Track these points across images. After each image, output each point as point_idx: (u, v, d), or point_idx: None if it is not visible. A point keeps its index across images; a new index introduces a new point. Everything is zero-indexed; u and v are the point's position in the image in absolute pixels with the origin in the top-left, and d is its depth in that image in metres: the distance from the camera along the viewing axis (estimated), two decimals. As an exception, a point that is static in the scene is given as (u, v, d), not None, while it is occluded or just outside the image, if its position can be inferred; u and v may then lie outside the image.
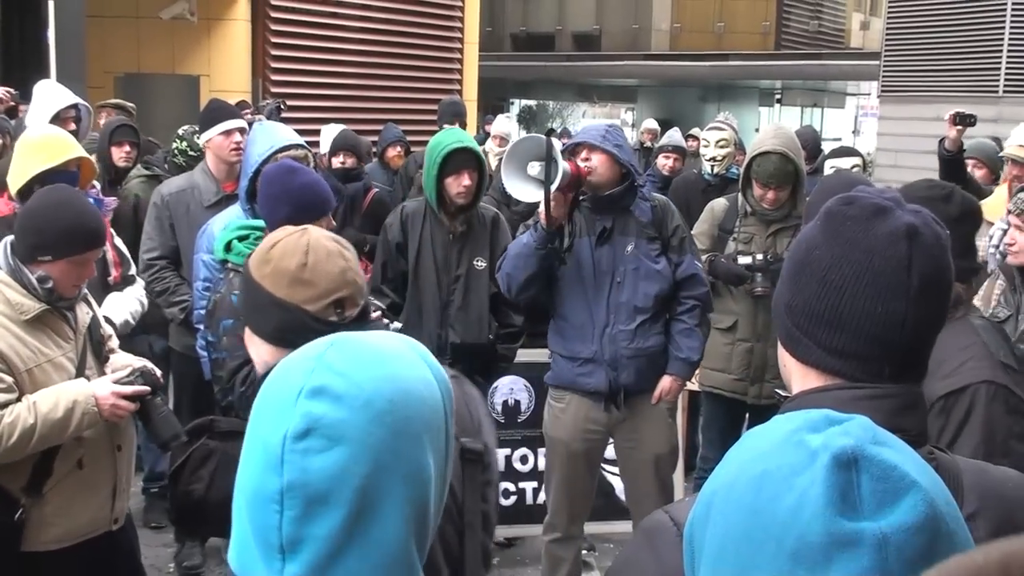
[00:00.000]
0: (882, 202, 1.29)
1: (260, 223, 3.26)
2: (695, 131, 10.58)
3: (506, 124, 9.02)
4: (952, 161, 5.18)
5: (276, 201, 3.17)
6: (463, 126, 7.67)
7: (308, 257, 1.85)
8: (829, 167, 5.67)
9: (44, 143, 3.66)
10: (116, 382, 2.82)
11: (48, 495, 2.78)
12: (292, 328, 1.83)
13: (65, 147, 3.67)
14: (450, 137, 4.15)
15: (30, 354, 2.72)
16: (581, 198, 3.77)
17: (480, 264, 4.14)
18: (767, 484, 0.85)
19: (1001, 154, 4.97)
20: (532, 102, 32.94)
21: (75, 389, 2.74)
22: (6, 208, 3.72)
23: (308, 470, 0.98)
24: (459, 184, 4.02)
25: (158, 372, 2.97)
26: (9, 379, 2.67)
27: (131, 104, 7.07)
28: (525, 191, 3.59)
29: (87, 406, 2.71)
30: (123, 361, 3.06)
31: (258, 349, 1.93)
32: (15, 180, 3.52)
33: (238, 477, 1.05)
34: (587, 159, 3.71)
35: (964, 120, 5.11)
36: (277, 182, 3.21)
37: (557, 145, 3.58)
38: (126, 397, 2.79)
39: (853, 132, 31.33)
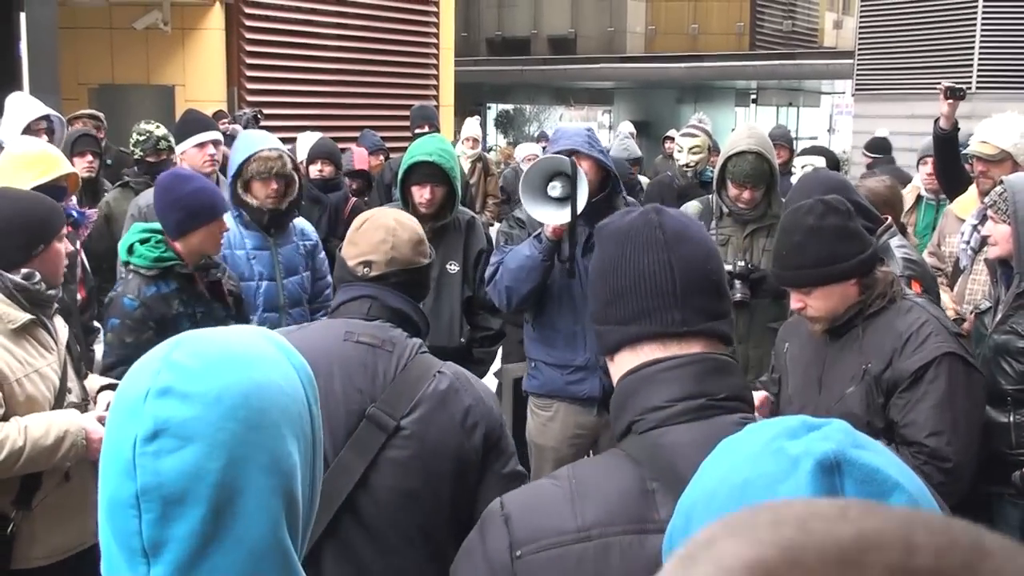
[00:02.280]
0: (635, 208, 1.52)
1: (158, 226, 3.39)
2: (672, 133, 10.62)
3: (475, 126, 9.17)
4: (947, 140, 5.06)
5: (168, 208, 3.33)
6: (435, 130, 7.68)
7: (364, 224, 2.31)
8: (800, 166, 5.71)
9: (36, 158, 3.71)
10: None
11: (37, 509, 2.76)
12: (340, 277, 2.30)
13: (56, 163, 3.74)
14: (421, 147, 4.13)
15: (18, 364, 2.71)
16: None
17: (452, 268, 4.12)
18: (749, 493, 0.85)
19: (965, 151, 4.94)
20: (509, 106, 32.95)
21: (68, 419, 2.73)
22: None
23: (161, 472, 0.98)
24: (420, 195, 4.03)
25: None
26: None
27: (101, 114, 7.04)
28: (546, 213, 3.60)
29: (77, 438, 2.70)
30: (97, 383, 3.07)
31: None
32: None
33: (99, 486, 1.04)
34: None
35: (955, 93, 4.98)
36: (168, 190, 3.38)
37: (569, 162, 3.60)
38: None
39: (828, 130, 31.52)
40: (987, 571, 0.46)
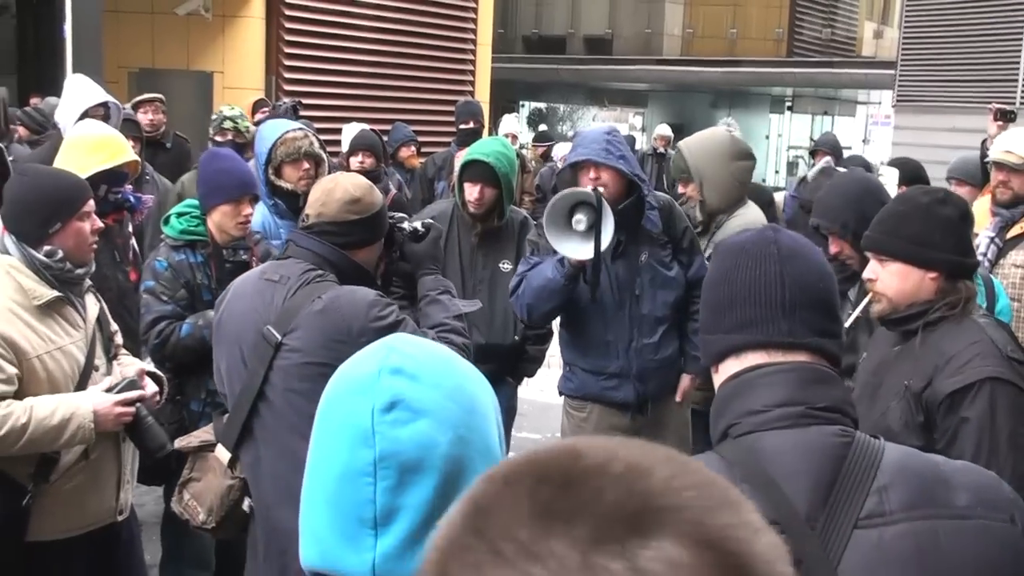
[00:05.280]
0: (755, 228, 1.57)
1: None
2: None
3: (514, 123, 9.23)
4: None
5: (197, 183, 3.60)
6: (479, 125, 7.68)
7: (315, 186, 2.89)
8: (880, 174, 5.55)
9: (103, 143, 3.80)
10: (109, 391, 2.84)
11: (56, 484, 2.78)
12: None
13: (122, 149, 3.85)
14: (481, 147, 4.15)
15: (40, 341, 2.72)
16: None
17: (505, 266, 4.12)
18: None
19: (987, 159, 4.84)
20: (542, 104, 32.91)
21: (76, 402, 2.74)
22: None
23: (399, 440, 1.02)
24: (470, 193, 4.04)
25: (149, 380, 2.99)
26: (11, 370, 2.65)
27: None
28: (570, 247, 3.53)
29: (84, 420, 2.70)
30: (130, 363, 3.08)
31: None
32: None
33: (312, 470, 1.08)
34: (597, 178, 3.63)
35: (1005, 116, 4.93)
36: (200, 166, 3.65)
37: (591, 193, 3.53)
38: (126, 403, 2.82)
39: (863, 141, 31.25)
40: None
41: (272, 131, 4.08)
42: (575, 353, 3.88)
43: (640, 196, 3.72)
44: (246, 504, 2.70)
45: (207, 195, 3.51)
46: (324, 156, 4.07)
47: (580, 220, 3.49)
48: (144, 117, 6.59)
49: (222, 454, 2.70)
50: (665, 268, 3.77)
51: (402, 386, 1.05)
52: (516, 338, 4.11)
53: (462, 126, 7.60)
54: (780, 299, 1.41)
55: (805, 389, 1.36)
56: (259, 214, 4.01)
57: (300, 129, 4.08)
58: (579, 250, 3.52)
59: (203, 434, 2.87)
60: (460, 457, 1.04)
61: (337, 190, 2.70)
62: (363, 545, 1.01)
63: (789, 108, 30.84)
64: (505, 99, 26.09)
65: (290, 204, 3.99)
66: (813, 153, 7.82)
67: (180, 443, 2.90)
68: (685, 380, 3.89)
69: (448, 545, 0.57)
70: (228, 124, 5.93)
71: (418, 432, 1.03)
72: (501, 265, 4.13)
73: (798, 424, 1.34)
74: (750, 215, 4.18)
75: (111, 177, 3.78)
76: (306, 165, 3.97)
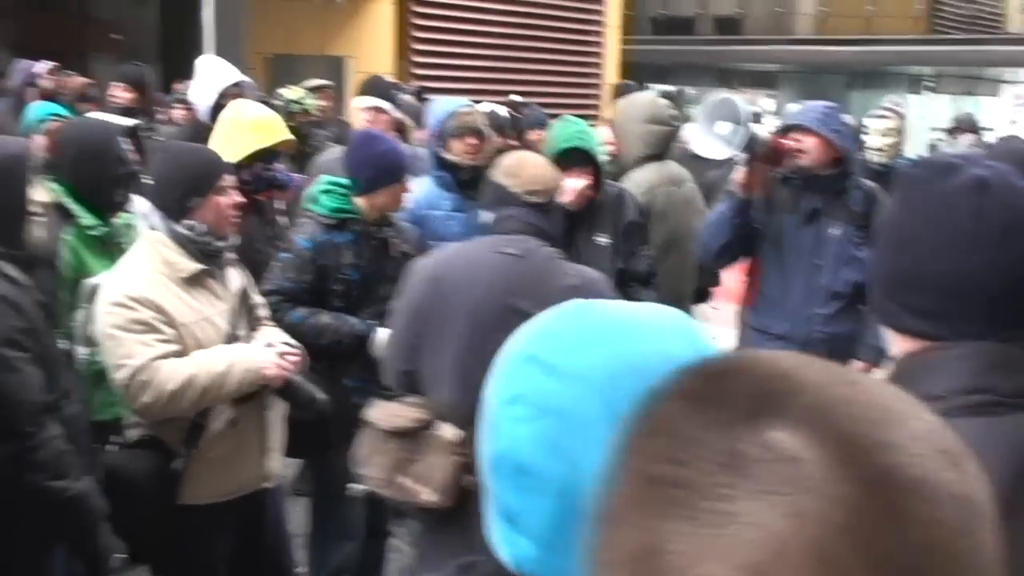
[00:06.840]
0: (953, 160, 1.29)
1: (346, 181, 3.59)
2: (847, 119, 10.22)
3: None
4: None
5: (360, 164, 3.56)
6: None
7: (522, 161, 2.93)
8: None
9: (261, 123, 3.97)
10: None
11: (204, 450, 2.88)
12: (497, 200, 2.87)
13: (279, 128, 4.01)
14: (562, 137, 4.06)
15: (188, 311, 2.83)
16: (790, 175, 3.84)
17: (602, 240, 4.07)
18: None
19: None
20: (670, 87, 32.44)
21: (233, 348, 2.87)
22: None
23: (516, 438, 0.89)
24: (575, 183, 4.01)
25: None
26: (171, 331, 2.77)
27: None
28: (709, 147, 3.72)
29: (249, 364, 2.83)
30: (271, 334, 3.16)
31: None
32: (234, 154, 3.64)
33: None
34: (799, 140, 3.76)
35: None
36: (362, 147, 3.66)
37: (744, 111, 3.70)
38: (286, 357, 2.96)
39: (1012, 122, 29.71)
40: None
41: (443, 107, 4.35)
42: (749, 311, 3.98)
43: (845, 172, 3.80)
44: (466, 481, 2.65)
45: (377, 177, 3.52)
46: (490, 134, 4.31)
47: (723, 125, 3.66)
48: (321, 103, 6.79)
49: (447, 432, 2.60)
50: (855, 248, 3.80)
51: (531, 377, 0.91)
52: None
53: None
54: (976, 296, 1.22)
55: (987, 375, 1.23)
56: (423, 186, 4.17)
57: (468, 106, 4.34)
58: (711, 149, 3.72)
59: (410, 411, 2.71)
60: (592, 468, 0.86)
61: (551, 168, 2.93)
62: (504, 537, 0.92)
63: (928, 88, 29.59)
64: (632, 81, 25.79)
65: (455, 177, 4.17)
66: (951, 132, 7.52)
67: (390, 423, 2.76)
68: (857, 367, 3.85)
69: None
70: (295, 107, 5.53)
71: (538, 433, 0.88)
72: (596, 239, 4.10)
73: (989, 412, 1.21)
74: (644, 174, 4.47)
75: (265, 155, 3.91)
76: (473, 140, 4.18)
